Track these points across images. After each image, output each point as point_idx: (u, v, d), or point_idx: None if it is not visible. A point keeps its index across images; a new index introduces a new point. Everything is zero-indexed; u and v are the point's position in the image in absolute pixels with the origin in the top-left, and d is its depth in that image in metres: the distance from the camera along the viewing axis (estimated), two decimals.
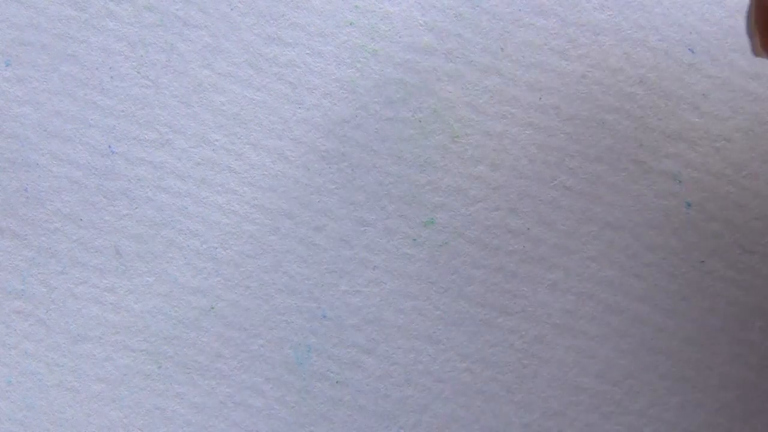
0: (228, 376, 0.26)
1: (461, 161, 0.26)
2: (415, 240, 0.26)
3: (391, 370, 0.26)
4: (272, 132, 0.26)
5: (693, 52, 0.25)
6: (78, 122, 0.26)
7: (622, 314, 0.25)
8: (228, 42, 0.26)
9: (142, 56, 0.26)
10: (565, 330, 0.25)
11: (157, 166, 0.26)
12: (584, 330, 0.25)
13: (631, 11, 0.25)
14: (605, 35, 0.25)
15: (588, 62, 0.25)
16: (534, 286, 0.25)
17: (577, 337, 0.25)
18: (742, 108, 0.25)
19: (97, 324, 0.26)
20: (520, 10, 0.25)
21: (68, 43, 0.26)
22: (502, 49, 0.25)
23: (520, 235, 0.25)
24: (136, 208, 0.26)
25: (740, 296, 0.25)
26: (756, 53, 0.21)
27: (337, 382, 0.26)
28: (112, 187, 0.26)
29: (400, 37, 0.26)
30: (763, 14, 0.20)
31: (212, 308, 0.26)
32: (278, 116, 0.26)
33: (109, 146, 0.26)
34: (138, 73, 0.26)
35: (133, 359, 0.26)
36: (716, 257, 0.25)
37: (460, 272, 0.25)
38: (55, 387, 0.26)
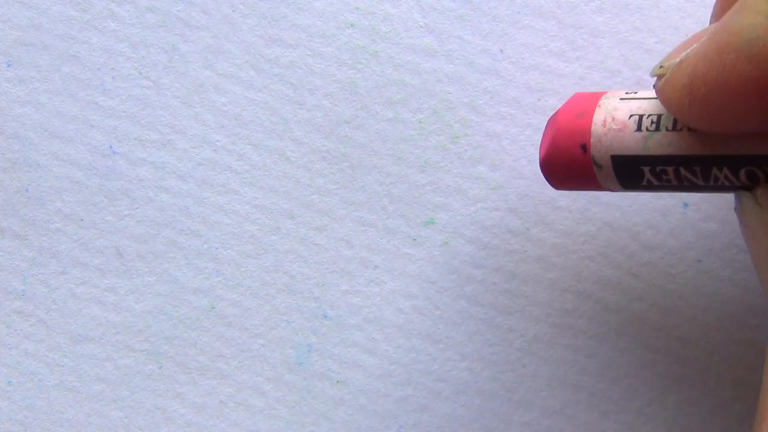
0: (229, 376, 0.26)
1: (461, 161, 0.26)
2: (415, 240, 0.26)
3: (392, 369, 0.26)
4: (273, 132, 0.26)
5: None
6: (79, 122, 0.26)
7: (621, 313, 0.25)
8: (229, 43, 0.26)
9: (143, 57, 0.26)
10: (564, 329, 0.25)
11: (158, 166, 0.26)
12: (583, 329, 0.25)
13: (628, 14, 0.26)
14: (603, 37, 0.25)
15: (586, 64, 0.25)
16: (533, 286, 0.25)
17: (576, 336, 0.25)
18: None
19: (97, 324, 0.26)
20: (519, 12, 0.26)
21: (70, 44, 0.26)
22: (501, 50, 0.26)
23: (520, 235, 0.26)
24: (137, 208, 0.26)
25: (737, 295, 0.25)
26: None
27: (337, 382, 0.26)
28: (113, 187, 0.26)
29: (400, 38, 0.26)
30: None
31: (213, 308, 0.26)
32: (279, 117, 0.26)
33: (111, 146, 0.26)
34: (139, 73, 0.26)
35: (134, 359, 0.26)
36: (713, 256, 0.25)
37: (459, 272, 0.26)
38: (55, 387, 0.26)
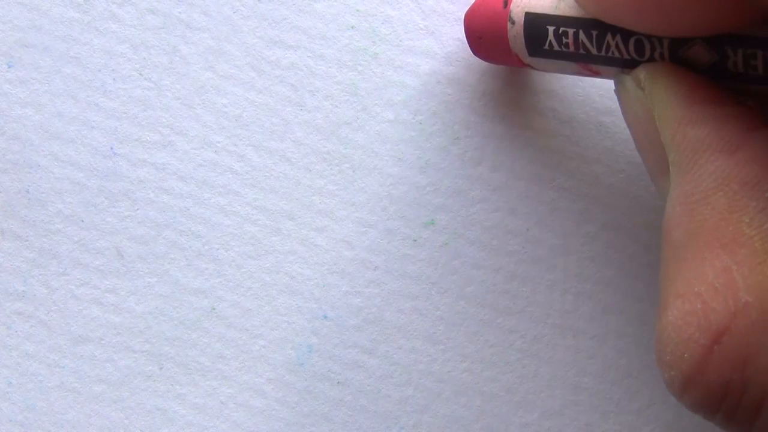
0: (229, 377, 0.26)
1: (461, 162, 0.26)
2: (415, 240, 0.26)
3: (392, 370, 0.26)
4: (274, 134, 0.26)
5: None
6: (80, 124, 0.26)
7: (621, 314, 0.25)
8: (230, 44, 0.26)
9: (144, 58, 0.26)
10: (564, 330, 0.25)
11: (159, 167, 0.26)
12: (583, 330, 0.25)
13: None
14: None
15: None
16: (533, 287, 0.26)
17: (577, 337, 0.25)
18: None
19: (98, 325, 0.26)
20: None
21: (71, 45, 0.26)
22: None
23: (520, 236, 0.26)
24: (138, 209, 0.26)
25: None
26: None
27: (338, 383, 0.26)
28: (114, 188, 0.26)
29: (400, 40, 0.26)
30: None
31: (213, 309, 0.26)
32: (280, 118, 0.26)
33: (111, 148, 0.26)
34: (140, 75, 0.26)
35: (135, 360, 0.26)
36: None
37: (460, 273, 0.26)
38: (56, 388, 0.26)
